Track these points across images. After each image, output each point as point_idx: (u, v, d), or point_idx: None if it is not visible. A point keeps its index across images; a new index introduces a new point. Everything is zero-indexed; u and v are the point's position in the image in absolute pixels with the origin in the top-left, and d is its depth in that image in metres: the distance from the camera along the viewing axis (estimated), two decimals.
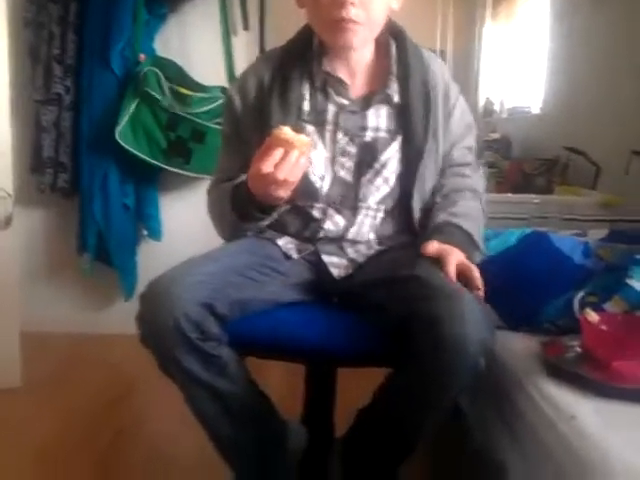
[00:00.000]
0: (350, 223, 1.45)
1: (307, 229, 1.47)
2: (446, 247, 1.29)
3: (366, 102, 1.45)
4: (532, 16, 4.33)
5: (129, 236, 2.88)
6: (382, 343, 1.26)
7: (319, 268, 1.45)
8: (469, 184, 1.49)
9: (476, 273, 1.24)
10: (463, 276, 1.24)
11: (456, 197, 1.46)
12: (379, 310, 1.28)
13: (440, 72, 1.49)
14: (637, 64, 2.64)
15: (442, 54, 4.39)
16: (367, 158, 1.44)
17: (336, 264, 1.44)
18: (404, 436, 1.29)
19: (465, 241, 1.36)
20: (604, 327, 1.26)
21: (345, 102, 1.45)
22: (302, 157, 1.27)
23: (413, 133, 1.43)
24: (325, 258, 1.44)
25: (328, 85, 1.45)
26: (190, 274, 1.24)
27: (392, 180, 1.45)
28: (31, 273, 2.91)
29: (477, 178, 1.54)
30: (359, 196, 1.45)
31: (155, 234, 2.91)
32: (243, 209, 1.38)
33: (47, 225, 2.98)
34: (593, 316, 1.26)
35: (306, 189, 1.42)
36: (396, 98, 1.44)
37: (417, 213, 1.45)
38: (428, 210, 1.45)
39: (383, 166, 1.44)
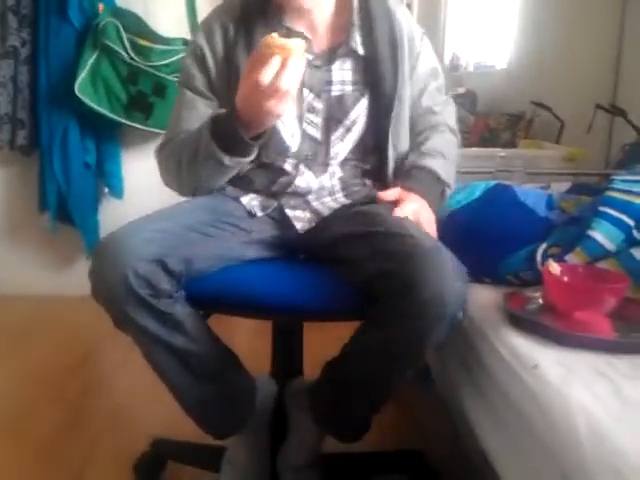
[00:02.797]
0: (320, 179, 1.44)
1: (275, 184, 1.44)
2: (404, 195, 1.34)
3: (330, 56, 1.42)
4: None
5: (90, 194, 2.82)
6: (350, 297, 1.25)
7: (283, 223, 1.43)
8: (440, 119, 1.52)
9: (428, 227, 1.29)
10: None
11: (427, 133, 1.48)
12: (349, 265, 1.26)
13: (405, 18, 1.47)
14: (604, 20, 2.65)
15: (408, 7, 4.33)
16: (336, 114, 1.42)
17: (299, 217, 1.42)
18: (377, 387, 1.30)
19: (430, 182, 1.41)
20: (566, 278, 1.27)
21: (309, 57, 1.41)
22: (300, 62, 1.19)
23: (382, 84, 1.41)
24: (288, 212, 1.42)
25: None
26: (142, 230, 1.22)
27: (362, 136, 1.43)
28: None
29: (447, 112, 1.56)
30: (330, 154, 1.43)
31: (116, 192, 2.86)
32: (224, 142, 1.27)
33: (6, 184, 2.92)
34: (555, 268, 1.27)
35: (276, 146, 1.40)
36: (360, 50, 1.41)
37: (391, 165, 1.44)
38: (403, 160, 1.46)
39: (353, 123, 1.42)
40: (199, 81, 1.43)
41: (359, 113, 1.42)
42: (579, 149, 2.26)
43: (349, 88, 1.42)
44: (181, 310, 1.24)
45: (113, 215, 2.82)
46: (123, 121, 2.67)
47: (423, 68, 1.49)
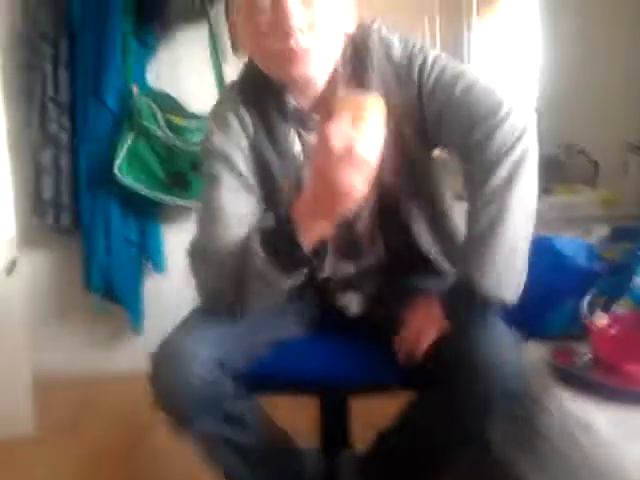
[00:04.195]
0: (357, 264, 1.38)
1: (314, 279, 1.34)
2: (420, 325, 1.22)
3: None
4: (520, 12, 4.30)
5: (133, 270, 2.87)
6: (397, 370, 1.24)
7: (331, 306, 1.41)
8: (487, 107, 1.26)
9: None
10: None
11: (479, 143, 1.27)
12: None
13: (397, 49, 1.27)
14: (633, 57, 2.65)
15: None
16: None
17: (347, 300, 1.39)
18: (432, 460, 1.27)
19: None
20: (613, 331, 1.25)
21: None
22: (378, 124, 1.01)
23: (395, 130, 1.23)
24: (336, 297, 1.39)
25: (306, 119, 1.30)
26: (199, 330, 1.20)
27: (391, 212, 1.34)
28: (39, 316, 2.91)
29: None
30: (355, 232, 1.34)
31: (158, 266, 2.91)
32: (279, 257, 1.11)
33: (52, 266, 2.98)
34: (601, 320, 1.25)
35: None
36: None
37: (423, 244, 1.35)
38: (444, 217, 1.39)
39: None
40: (225, 165, 1.29)
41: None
42: (613, 193, 2.24)
43: None
44: (242, 405, 1.24)
45: (155, 289, 2.87)
46: (163, 198, 2.72)
47: (437, 82, 1.26)
